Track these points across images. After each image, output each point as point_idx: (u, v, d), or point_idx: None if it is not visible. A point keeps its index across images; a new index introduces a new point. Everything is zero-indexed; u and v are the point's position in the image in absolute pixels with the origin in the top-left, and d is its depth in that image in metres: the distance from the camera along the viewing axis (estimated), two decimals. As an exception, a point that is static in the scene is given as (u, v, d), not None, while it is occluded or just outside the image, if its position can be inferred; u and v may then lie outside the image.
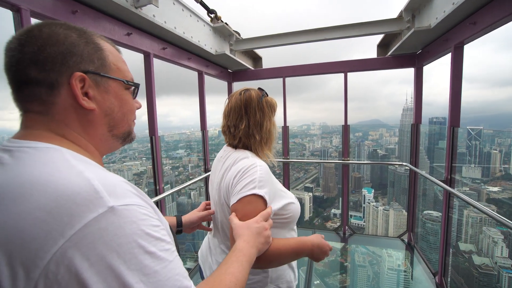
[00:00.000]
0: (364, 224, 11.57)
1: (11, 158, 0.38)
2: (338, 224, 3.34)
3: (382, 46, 2.91)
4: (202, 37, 2.40)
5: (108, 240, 0.33)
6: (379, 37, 2.81)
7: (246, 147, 0.93)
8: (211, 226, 1.05)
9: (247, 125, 0.91)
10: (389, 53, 2.73)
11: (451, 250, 2.11)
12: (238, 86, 3.49)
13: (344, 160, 3.02)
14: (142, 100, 2.04)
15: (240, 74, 3.41)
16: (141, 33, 1.85)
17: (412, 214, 2.93)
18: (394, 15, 2.36)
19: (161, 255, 0.37)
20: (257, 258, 0.69)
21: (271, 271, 0.89)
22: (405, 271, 2.49)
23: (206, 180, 2.90)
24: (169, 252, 0.39)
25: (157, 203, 1.97)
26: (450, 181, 2.02)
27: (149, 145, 1.99)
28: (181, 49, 2.34)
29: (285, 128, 3.24)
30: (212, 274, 0.56)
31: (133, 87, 0.52)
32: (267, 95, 0.96)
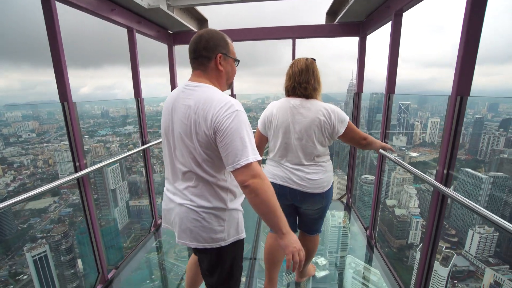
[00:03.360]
0: (312, 190, 12.67)
1: (200, 89, 0.94)
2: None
3: (331, 14, 2.86)
4: (128, -18, 1.96)
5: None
6: (328, 4, 2.74)
7: (312, 96, 1.38)
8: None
9: (314, 81, 1.37)
10: (336, 21, 2.70)
11: (380, 206, 2.37)
12: (180, 49, 3.09)
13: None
14: (47, 61, 1.58)
15: (182, 36, 3.02)
16: (32, -39, 1.38)
17: (351, 179, 3.19)
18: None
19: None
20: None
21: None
22: (344, 227, 2.79)
23: (145, 152, 2.60)
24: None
25: (78, 180, 1.67)
26: (383, 146, 2.18)
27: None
28: (99, -5, 1.88)
29: (231, 96, 3.05)
30: None
31: (236, 61, 1.05)
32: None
